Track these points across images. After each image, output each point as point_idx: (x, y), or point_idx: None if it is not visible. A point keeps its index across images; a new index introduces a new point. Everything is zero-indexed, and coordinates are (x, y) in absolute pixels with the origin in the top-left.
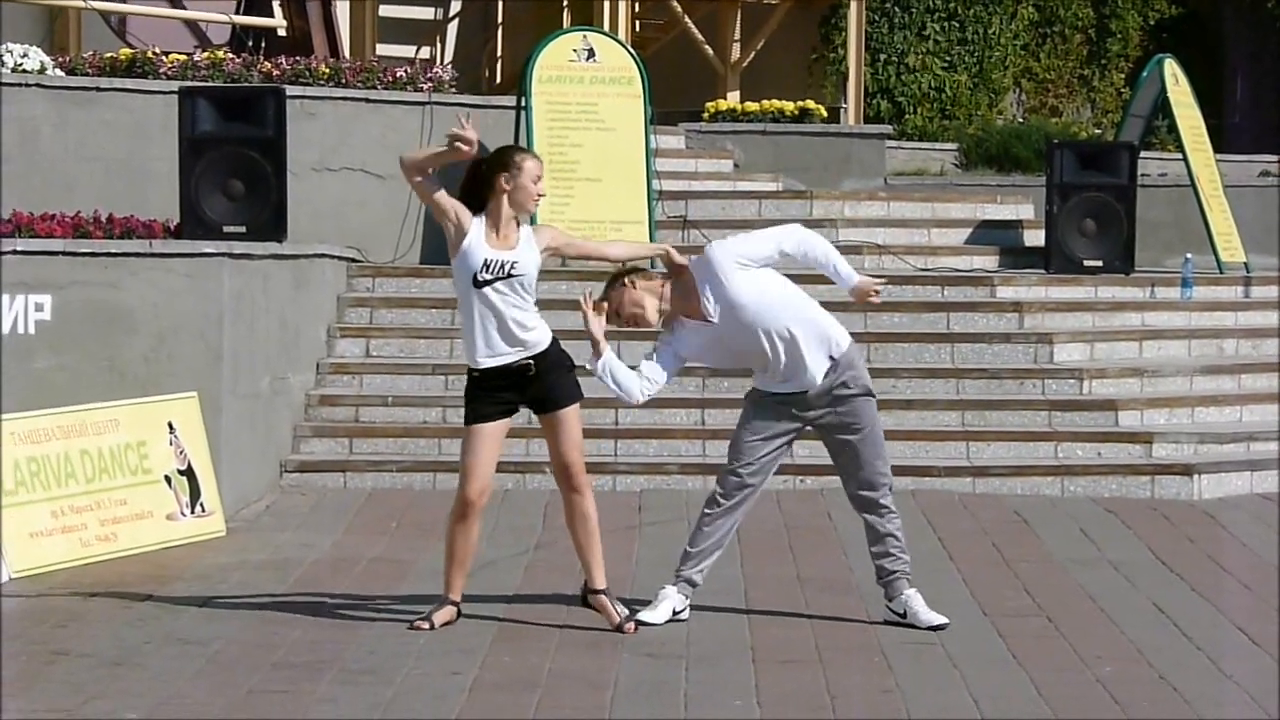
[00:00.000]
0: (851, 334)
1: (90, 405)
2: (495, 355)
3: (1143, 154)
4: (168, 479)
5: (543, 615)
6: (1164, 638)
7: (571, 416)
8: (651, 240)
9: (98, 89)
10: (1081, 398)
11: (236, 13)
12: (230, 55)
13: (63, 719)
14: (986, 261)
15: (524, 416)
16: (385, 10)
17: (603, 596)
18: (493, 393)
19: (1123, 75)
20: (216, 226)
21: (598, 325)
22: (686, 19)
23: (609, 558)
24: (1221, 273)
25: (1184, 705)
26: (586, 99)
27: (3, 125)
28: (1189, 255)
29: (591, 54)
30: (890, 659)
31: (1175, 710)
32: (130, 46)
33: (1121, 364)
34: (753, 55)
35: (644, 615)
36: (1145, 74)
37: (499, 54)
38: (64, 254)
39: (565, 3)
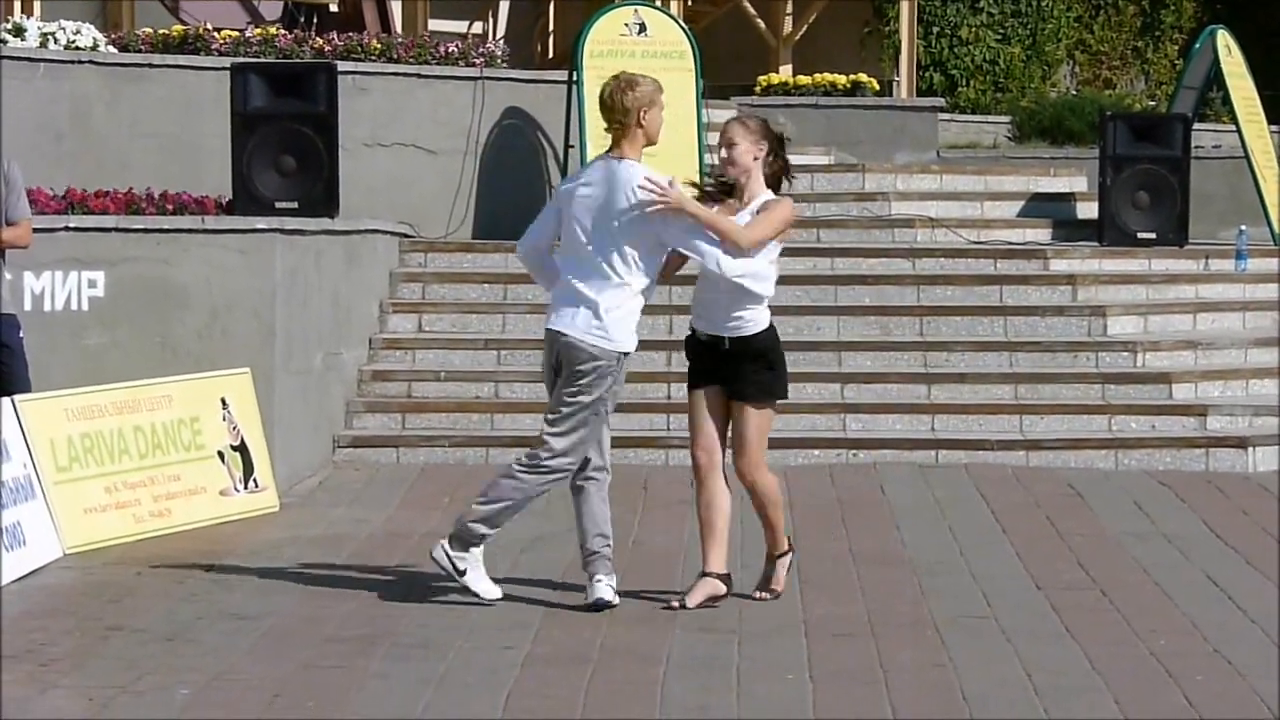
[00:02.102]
0: (904, 306)
1: (143, 381)
2: None
3: (1196, 126)
4: (221, 455)
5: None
6: (1218, 611)
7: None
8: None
9: (150, 65)
10: (1135, 370)
11: None
12: (282, 31)
13: (116, 694)
14: (1039, 234)
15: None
16: None
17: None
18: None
19: (1176, 47)
20: (269, 202)
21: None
22: None
23: (663, 532)
24: (1276, 244)
25: (1238, 678)
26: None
27: (53, 102)
28: (1243, 227)
29: (643, 28)
30: (943, 633)
31: (1229, 683)
32: (183, 23)
33: (1175, 336)
34: (805, 29)
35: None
36: (1198, 45)
37: (550, 29)
38: (117, 230)
39: None
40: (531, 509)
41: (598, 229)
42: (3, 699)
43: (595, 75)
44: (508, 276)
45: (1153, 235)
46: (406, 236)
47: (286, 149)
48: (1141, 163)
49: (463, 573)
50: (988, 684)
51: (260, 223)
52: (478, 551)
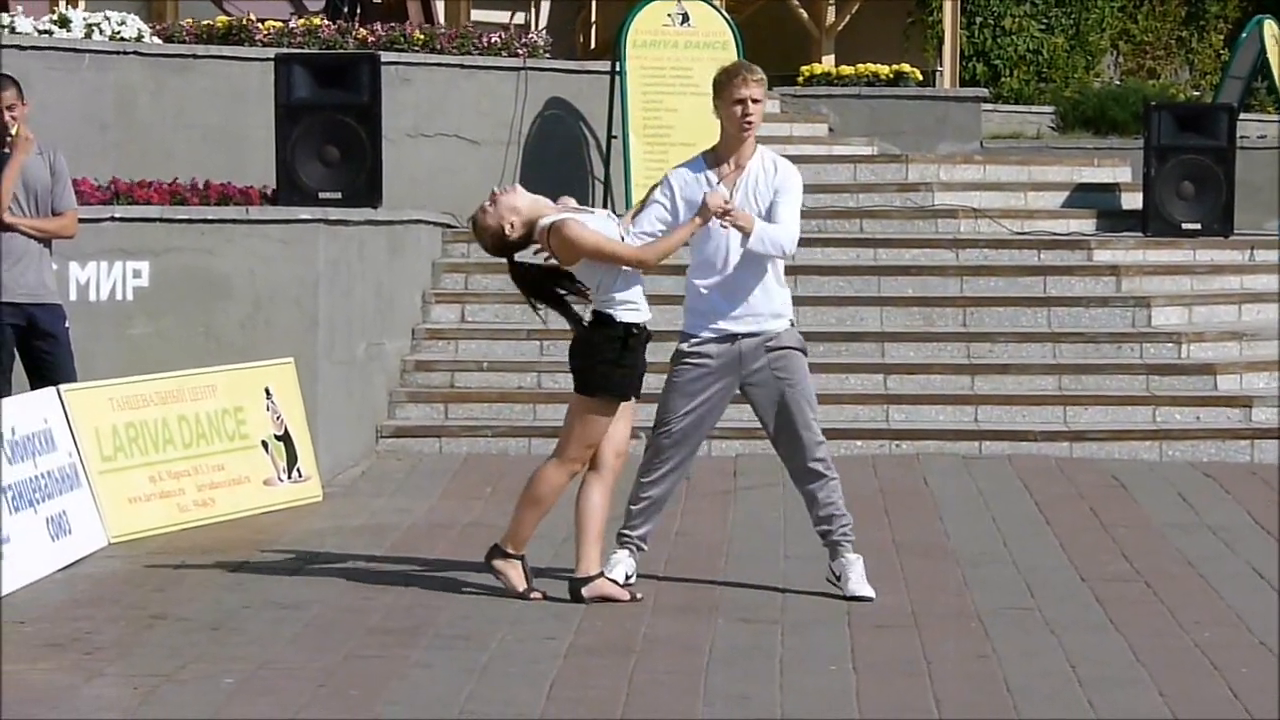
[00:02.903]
0: (947, 297)
1: (187, 371)
2: None
3: (1241, 116)
4: (264, 444)
5: (637, 581)
6: (1262, 603)
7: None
8: None
9: (195, 56)
10: (1180, 361)
11: None
12: (326, 22)
13: (161, 683)
14: (1083, 225)
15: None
16: None
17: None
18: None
19: (1221, 36)
20: (312, 193)
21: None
22: None
23: (706, 522)
24: None
25: None
26: (680, 64)
27: (98, 93)
28: None
29: (685, 18)
30: (986, 624)
31: (1273, 675)
32: (227, 14)
33: (1220, 327)
34: (848, 19)
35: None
36: (1244, 35)
37: (593, 19)
38: (161, 221)
39: None
40: (574, 498)
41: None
42: (46, 687)
43: (638, 65)
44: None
45: (1197, 226)
46: (449, 227)
47: (330, 139)
48: (1186, 153)
49: (838, 578)
50: (1031, 675)
51: (304, 213)
52: (850, 556)
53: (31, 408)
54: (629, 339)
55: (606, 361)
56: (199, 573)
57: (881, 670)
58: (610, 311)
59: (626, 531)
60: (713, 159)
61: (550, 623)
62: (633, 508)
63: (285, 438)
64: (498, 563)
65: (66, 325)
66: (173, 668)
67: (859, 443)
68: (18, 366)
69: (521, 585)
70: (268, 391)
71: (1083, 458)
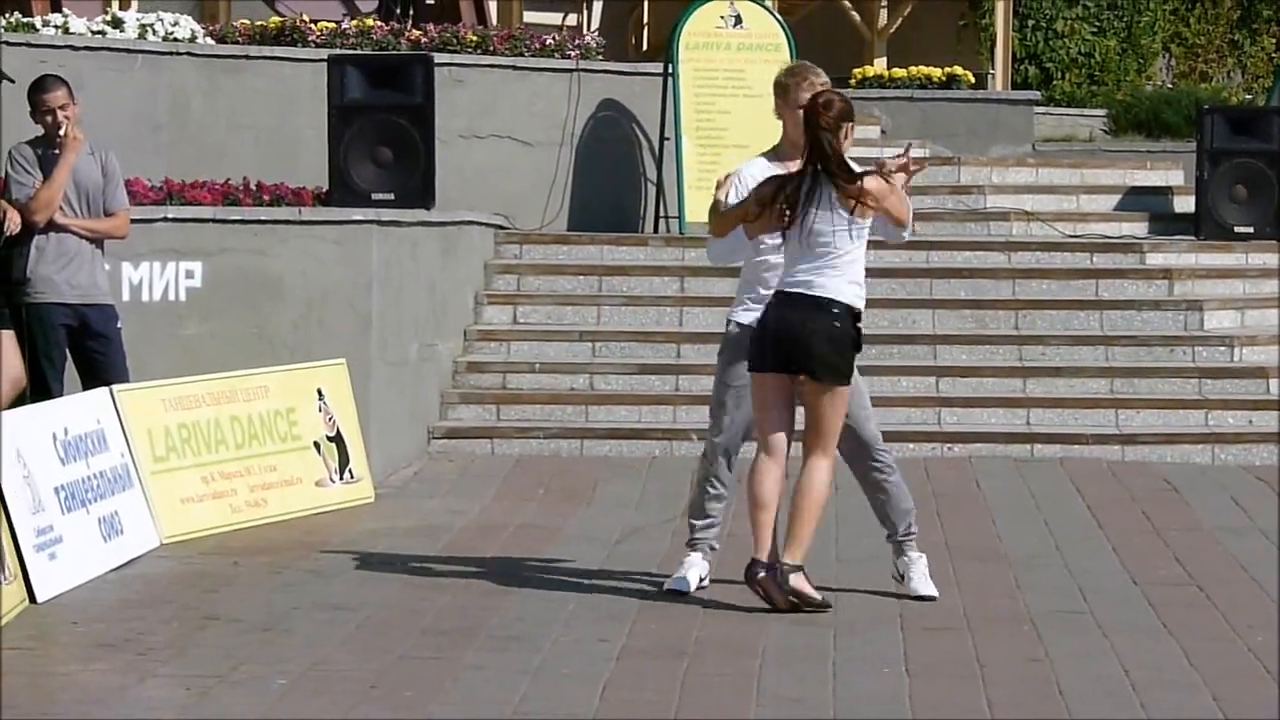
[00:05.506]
0: (999, 299)
1: (240, 372)
2: None
3: None
4: (317, 445)
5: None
6: None
7: None
8: None
9: (248, 57)
10: (1232, 365)
11: None
12: (379, 23)
13: (213, 683)
14: (1136, 228)
15: (669, 384)
16: None
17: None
18: None
19: (1274, 40)
20: (365, 194)
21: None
22: None
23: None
24: None
25: None
26: (733, 66)
27: (151, 94)
28: None
29: (739, 20)
30: (1039, 628)
31: None
32: (280, 15)
33: (1273, 331)
34: (900, 21)
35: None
36: None
37: (645, 20)
38: (214, 221)
39: None
40: (627, 500)
41: None
42: (99, 688)
43: (691, 67)
44: (603, 268)
45: (1250, 229)
46: (502, 228)
47: (383, 141)
48: (1239, 156)
49: (902, 576)
50: (1084, 679)
51: (357, 214)
52: (913, 554)
53: (84, 408)
54: (858, 325)
55: (854, 350)
56: (251, 574)
57: (934, 673)
58: (847, 301)
59: (699, 536)
60: (774, 158)
61: (603, 624)
62: (692, 519)
63: (337, 439)
64: (795, 580)
65: (119, 325)
66: (225, 669)
67: (911, 445)
68: (70, 367)
69: (819, 595)
70: (320, 392)
71: (1135, 461)
